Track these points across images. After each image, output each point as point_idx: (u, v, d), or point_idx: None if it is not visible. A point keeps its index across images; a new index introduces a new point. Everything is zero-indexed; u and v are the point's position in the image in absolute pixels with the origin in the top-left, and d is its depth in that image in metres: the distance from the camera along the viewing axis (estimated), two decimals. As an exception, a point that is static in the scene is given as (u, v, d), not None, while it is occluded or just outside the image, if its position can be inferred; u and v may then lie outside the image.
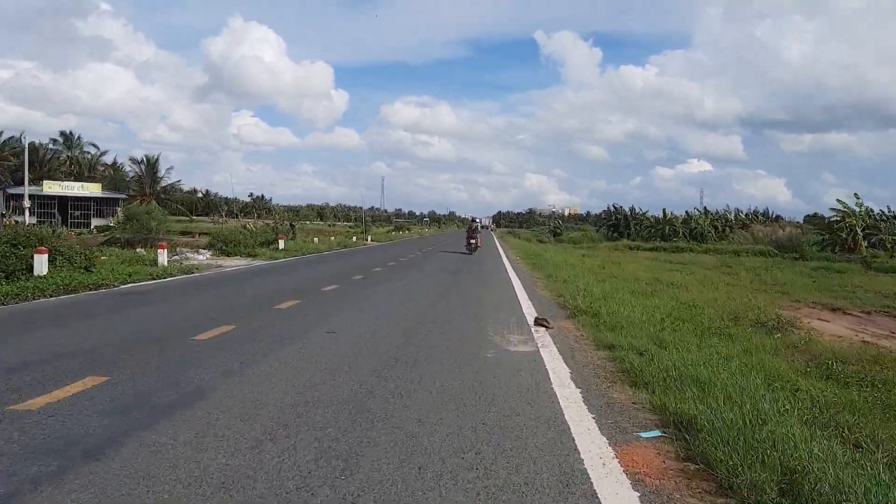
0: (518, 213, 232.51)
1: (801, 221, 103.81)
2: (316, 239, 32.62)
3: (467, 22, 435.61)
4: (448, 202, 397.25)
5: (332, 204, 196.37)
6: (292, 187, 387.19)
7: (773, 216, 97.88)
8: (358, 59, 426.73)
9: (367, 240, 44.66)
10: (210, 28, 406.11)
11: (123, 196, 56.49)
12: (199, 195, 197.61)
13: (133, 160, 64.84)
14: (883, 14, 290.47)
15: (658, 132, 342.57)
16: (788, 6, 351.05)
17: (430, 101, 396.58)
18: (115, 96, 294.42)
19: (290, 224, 31.37)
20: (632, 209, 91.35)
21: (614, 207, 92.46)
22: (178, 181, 65.17)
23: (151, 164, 63.37)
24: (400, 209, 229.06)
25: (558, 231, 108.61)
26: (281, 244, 27.07)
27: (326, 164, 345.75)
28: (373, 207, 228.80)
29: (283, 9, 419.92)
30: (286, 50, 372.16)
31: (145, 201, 62.40)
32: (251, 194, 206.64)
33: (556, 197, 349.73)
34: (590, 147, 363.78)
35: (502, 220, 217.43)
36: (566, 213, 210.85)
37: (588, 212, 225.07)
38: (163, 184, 64.64)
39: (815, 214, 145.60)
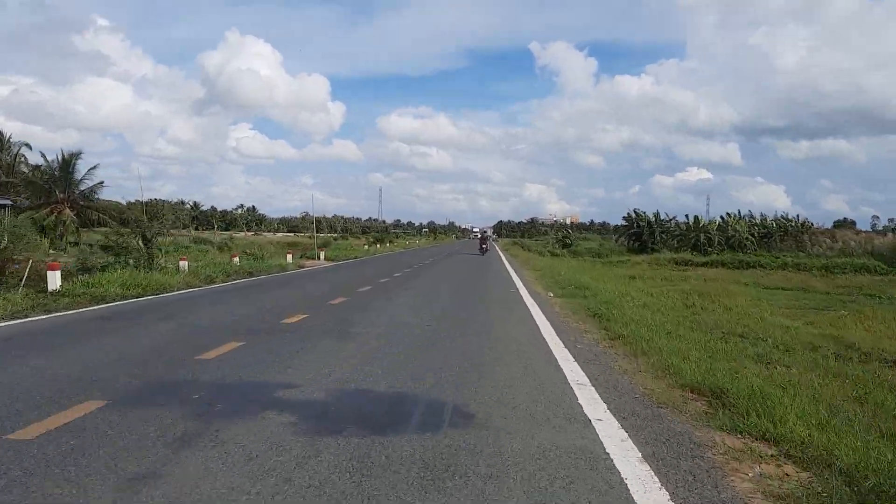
0: (519, 223, 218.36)
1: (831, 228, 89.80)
2: (183, 263, 17.86)
3: (464, 33, 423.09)
4: (447, 212, 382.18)
5: (316, 216, 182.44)
6: (292, 199, 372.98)
7: (801, 222, 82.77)
8: (354, 72, 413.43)
9: (318, 257, 30.17)
10: (207, 42, 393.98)
11: (9, 202, 41.97)
12: (188, 206, 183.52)
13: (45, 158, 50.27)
14: (877, 19, 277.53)
15: (655, 141, 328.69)
16: (781, 13, 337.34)
17: (428, 112, 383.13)
18: (114, 111, 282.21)
19: (144, 237, 16.92)
20: (656, 215, 76.59)
21: (635, 213, 77.68)
22: (101, 183, 50.40)
23: (67, 164, 48.80)
24: (399, 220, 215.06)
25: (568, 241, 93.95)
26: (54, 281, 12.48)
27: (325, 176, 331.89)
28: (370, 218, 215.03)
29: (278, 22, 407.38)
30: (283, 63, 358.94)
31: (56, 210, 48.09)
32: (241, 205, 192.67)
33: (555, 206, 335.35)
34: (588, 156, 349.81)
35: (503, 229, 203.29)
36: (568, 222, 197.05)
37: (591, 220, 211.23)
38: (83, 188, 50.06)
39: (845, 220, 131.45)
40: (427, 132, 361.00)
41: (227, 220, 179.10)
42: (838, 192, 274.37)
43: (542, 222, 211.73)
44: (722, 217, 74.23)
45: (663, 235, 73.82)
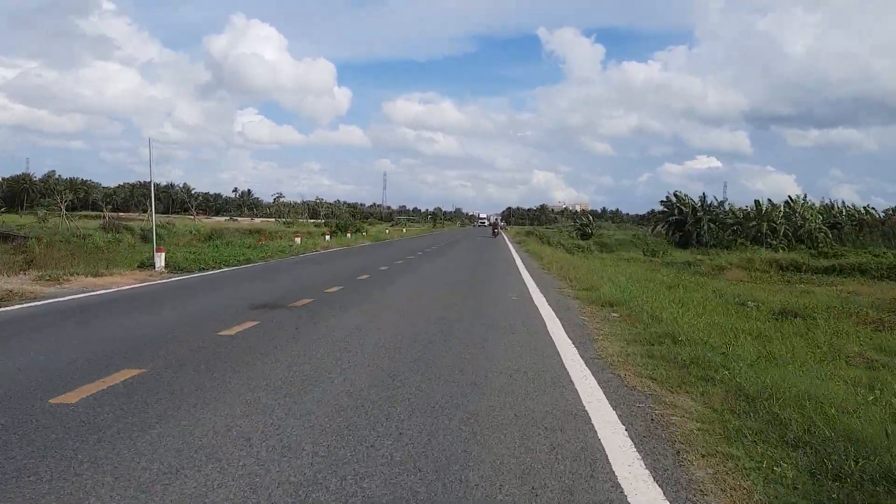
0: (528, 210, 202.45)
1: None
2: None
3: (471, 18, 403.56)
4: (455, 199, 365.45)
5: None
6: (299, 185, 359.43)
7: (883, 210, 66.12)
8: (360, 56, 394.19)
9: (154, 265, 14.76)
10: (213, 26, 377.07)
11: None
12: (179, 189, 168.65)
13: None
14: (886, 5, 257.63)
15: (663, 128, 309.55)
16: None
17: (435, 97, 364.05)
18: (120, 94, 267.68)
19: None
20: (702, 199, 60.48)
21: (676, 197, 61.64)
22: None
23: None
24: (404, 206, 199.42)
25: (589, 230, 78.08)
26: None
27: (332, 162, 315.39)
28: (374, 204, 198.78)
29: (284, 6, 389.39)
30: (288, 47, 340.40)
31: None
32: (235, 189, 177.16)
33: (563, 193, 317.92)
34: (595, 143, 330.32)
35: (512, 216, 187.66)
36: (578, 210, 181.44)
37: (603, 208, 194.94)
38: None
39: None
40: (433, 118, 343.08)
41: (218, 205, 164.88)
42: (850, 181, 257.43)
43: (552, 209, 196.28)
44: (786, 202, 58.12)
45: (712, 224, 57.90)
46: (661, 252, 36.77)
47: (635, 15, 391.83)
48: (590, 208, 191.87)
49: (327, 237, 28.40)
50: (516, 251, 28.10)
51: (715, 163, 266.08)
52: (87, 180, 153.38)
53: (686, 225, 58.77)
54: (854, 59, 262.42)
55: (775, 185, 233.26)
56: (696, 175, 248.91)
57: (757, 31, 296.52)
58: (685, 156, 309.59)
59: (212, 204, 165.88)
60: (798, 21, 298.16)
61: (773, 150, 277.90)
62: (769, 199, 58.04)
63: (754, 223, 54.07)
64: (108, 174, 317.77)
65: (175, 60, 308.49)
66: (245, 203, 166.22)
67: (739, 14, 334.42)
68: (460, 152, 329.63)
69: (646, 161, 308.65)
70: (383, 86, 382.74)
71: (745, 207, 58.36)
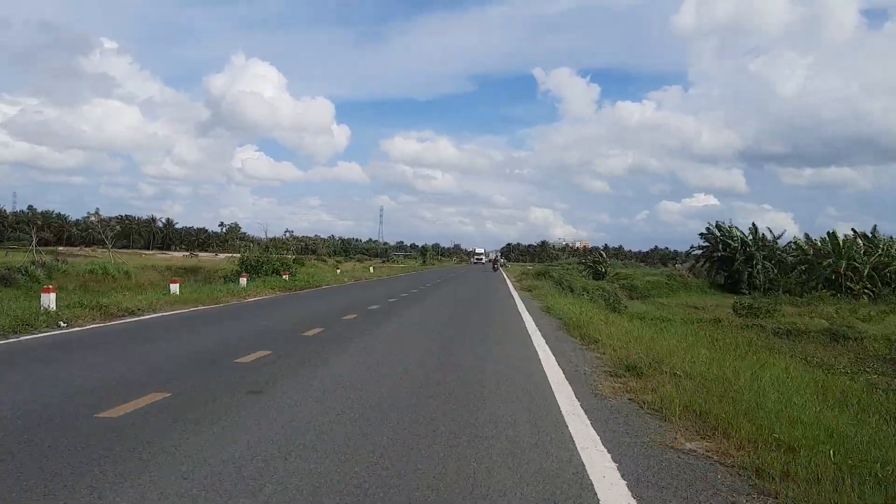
0: (528, 245, 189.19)
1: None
2: None
3: (469, 58, 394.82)
4: (454, 235, 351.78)
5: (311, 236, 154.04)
6: (300, 221, 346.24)
7: None
8: (359, 95, 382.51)
9: None
10: (213, 65, 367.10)
11: None
12: (162, 224, 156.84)
13: None
14: (876, 48, 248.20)
15: (660, 166, 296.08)
16: (780, 41, 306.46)
17: (432, 135, 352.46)
18: (121, 131, 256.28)
19: None
20: (753, 231, 47.19)
21: (719, 229, 48.37)
22: None
23: None
24: (402, 241, 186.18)
25: (601, 269, 64.65)
26: None
27: (331, 198, 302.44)
28: (370, 239, 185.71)
29: (284, 46, 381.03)
30: (287, 86, 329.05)
31: None
32: (221, 224, 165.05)
33: (561, 230, 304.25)
34: (593, 181, 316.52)
35: (511, 252, 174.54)
36: (578, 246, 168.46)
37: (605, 245, 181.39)
38: None
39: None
40: (431, 155, 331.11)
41: (201, 239, 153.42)
42: (845, 219, 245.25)
43: (553, 245, 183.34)
44: (873, 236, 44.70)
45: (767, 263, 44.63)
46: (763, 311, 23.26)
47: (629, 56, 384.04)
48: (590, 245, 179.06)
49: (174, 287, 14.74)
50: (531, 313, 14.71)
51: (712, 200, 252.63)
52: (60, 214, 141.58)
53: (735, 263, 45.45)
54: (846, 99, 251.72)
55: (772, 223, 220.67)
56: (695, 213, 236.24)
57: (750, 73, 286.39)
58: (682, 194, 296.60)
59: (194, 238, 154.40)
60: (790, 63, 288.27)
61: (769, 188, 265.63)
62: (816, 234, 44.84)
63: (830, 261, 40.73)
64: (108, 209, 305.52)
65: (175, 98, 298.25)
66: (229, 237, 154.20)
67: (732, 56, 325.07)
68: (458, 189, 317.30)
69: (643, 199, 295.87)
70: (382, 123, 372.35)
71: (814, 242, 44.96)
